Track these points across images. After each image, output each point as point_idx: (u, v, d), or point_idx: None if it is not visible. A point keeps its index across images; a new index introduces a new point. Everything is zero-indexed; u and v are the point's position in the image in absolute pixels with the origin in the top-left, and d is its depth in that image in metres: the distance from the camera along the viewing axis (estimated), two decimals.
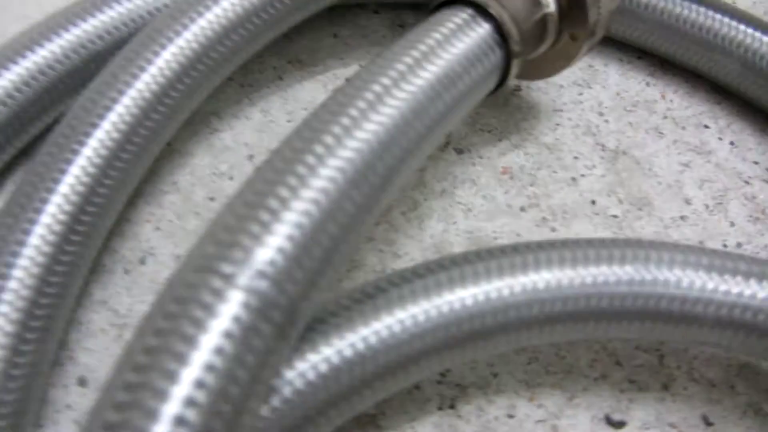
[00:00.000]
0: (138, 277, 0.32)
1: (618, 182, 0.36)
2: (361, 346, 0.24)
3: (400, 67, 0.25)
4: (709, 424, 0.31)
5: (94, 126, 0.30)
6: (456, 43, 0.27)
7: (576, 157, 0.37)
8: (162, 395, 0.18)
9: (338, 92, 0.25)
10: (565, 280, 0.25)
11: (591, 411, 0.31)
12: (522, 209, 0.35)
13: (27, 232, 0.28)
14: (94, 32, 0.34)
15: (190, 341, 0.19)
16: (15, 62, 0.32)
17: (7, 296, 0.26)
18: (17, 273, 0.27)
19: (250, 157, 0.36)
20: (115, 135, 0.30)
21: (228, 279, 0.20)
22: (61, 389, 0.29)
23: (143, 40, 0.31)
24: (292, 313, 0.21)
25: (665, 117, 0.39)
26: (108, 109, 0.30)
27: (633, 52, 0.41)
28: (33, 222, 0.28)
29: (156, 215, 0.34)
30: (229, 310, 0.19)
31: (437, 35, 0.27)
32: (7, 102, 0.32)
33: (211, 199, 0.34)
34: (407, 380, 0.25)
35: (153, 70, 0.31)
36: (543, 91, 0.39)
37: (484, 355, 0.26)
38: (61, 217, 0.28)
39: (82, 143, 0.29)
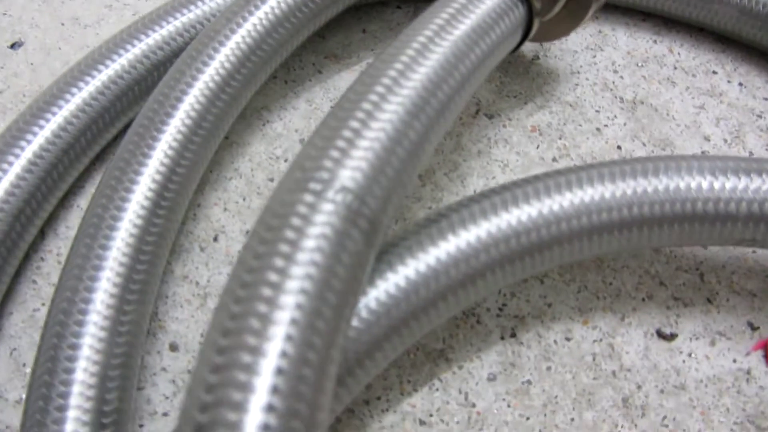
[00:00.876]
0: (213, 252, 0.35)
1: (639, 128, 0.39)
2: (432, 262, 0.26)
3: (438, 21, 0.29)
4: (754, 328, 0.33)
5: (165, 123, 0.33)
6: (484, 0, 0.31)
7: (597, 111, 0.40)
8: (275, 287, 0.21)
9: (389, 48, 0.29)
10: (607, 193, 0.28)
11: (643, 327, 0.33)
12: (554, 160, 0.38)
13: (116, 219, 0.31)
14: (154, 44, 0.38)
15: (294, 244, 0.22)
16: (89, 75, 0.36)
17: (106, 273, 0.30)
18: (113, 253, 0.30)
19: (302, 141, 0.39)
20: (183, 129, 0.34)
21: (318, 194, 0.23)
22: (155, 355, 0.32)
23: (202, 41, 0.35)
24: (375, 223, 0.24)
25: (675, 68, 0.42)
26: (176, 104, 0.34)
27: (637, 16, 0.45)
28: (121, 209, 0.31)
29: (223, 199, 0.37)
30: (322, 219, 0.22)
31: None
32: (86, 109, 0.36)
33: (271, 180, 0.38)
34: (476, 294, 0.28)
35: (212, 67, 0.35)
36: (559, 57, 0.42)
37: (541, 269, 0.29)
38: (145, 203, 0.32)
39: (155, 138, 0.33)
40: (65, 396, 0.27)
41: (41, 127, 0.35)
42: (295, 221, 0.22)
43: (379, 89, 0.26)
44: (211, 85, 0.34)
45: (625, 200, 0.28)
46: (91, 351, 0.28)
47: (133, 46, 0.38)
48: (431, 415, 0.30)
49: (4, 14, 0.45)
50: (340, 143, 0.24)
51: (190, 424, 0.19)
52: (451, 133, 0.39)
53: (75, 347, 0.28)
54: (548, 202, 0.28)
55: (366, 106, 0.26)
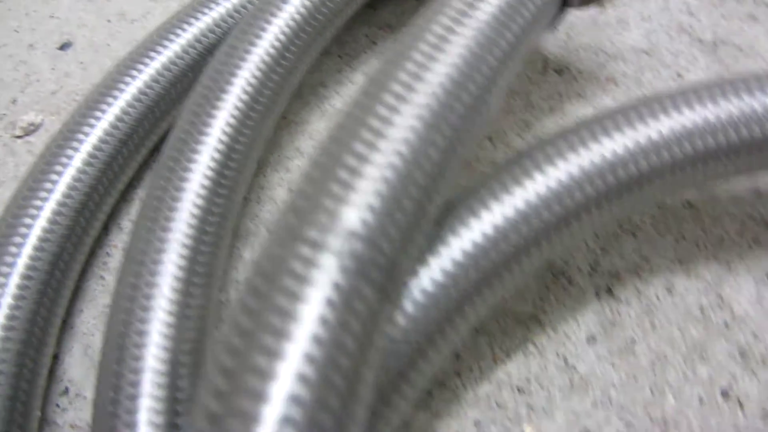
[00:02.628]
0: None
1: (724, 69, 0.36)
2: (521, 205, 0.24)
3: (456, 5, 0.24)
4: None
5: (221, 100, 0.32)
6: None
7: (675, 56, 0.37)
8: (268, 375, 0.16)
9: (393, 46, 0.24)
10: (710, 115, 0.25)
11: (752, 274, 0.30)
12: None
13: (176, 199, 0.30)
14: (206, 28, 0.37)
15: (289, 314, 0.17)
16: (141, 64, 0.36)
17: (170, 256, 0.28)
18: (175, 235, 0.29)
19: None
20: (240, 105, 0.32)
21: (317, 245, 0.18)
22: None
23: (253, 16, 0.34)
24: (392, 271, 0.20)
25: (757, 4, 0.39)
26: (231, 80, 0.32)
27: None
28: (180, 189, 0.30)
29: (285, 179, 0.36)
30: (324, 277, 0.18)
31: None
32: (141, 99, 0.35)
33: None
34: (572, 238, 0.25)
35: (265, 41, 0.33)
36: (627, 5, 0.40)
37: (641, 206, 0.26)
38: (205, 182, 0.30)
39: (212, 115, 0.31)
40: (136, 384, 0.25)
41: (98, 119, 0.34)
42: (290, 284, 0.18)
43: (388, 99, 0.21)
44: (266, 59, 0.33)
45: (732, 122, 0.25)
46: (160, 337, 0.27)
47: (184, 31, 0.36)
48: (529, 382, 0.28)
49: (51, 17, 0.45)
50: (342, 174, 0.20)
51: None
52: (519, 92, 0.37)
53: (143, 334, 0.27)
54: (644, 131, 0.25)
55: (373, 122, 0.21)
